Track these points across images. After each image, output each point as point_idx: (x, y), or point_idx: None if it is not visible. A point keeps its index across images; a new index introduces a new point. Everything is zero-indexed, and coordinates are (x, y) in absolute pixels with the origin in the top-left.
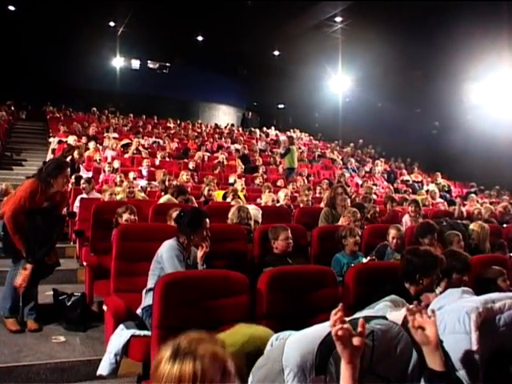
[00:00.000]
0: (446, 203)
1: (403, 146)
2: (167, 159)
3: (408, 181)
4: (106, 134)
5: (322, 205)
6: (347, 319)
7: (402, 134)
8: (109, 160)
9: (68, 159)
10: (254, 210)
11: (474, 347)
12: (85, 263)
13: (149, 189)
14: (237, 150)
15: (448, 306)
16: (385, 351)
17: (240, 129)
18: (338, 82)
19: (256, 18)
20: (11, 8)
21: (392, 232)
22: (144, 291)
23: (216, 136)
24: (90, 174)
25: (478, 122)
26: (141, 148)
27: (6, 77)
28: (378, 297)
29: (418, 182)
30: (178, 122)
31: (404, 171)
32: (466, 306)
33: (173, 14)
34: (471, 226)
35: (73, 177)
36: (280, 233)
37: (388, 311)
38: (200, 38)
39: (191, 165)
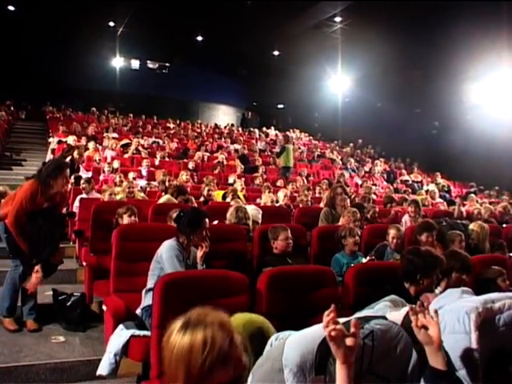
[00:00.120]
0: (445, 203)
1: (403, 145)
2: (167, 159)
3: (407, 181)
4: (105, 134)
5: (322, 205)
6: (347, 319)
7: (402, 133)
8: (108, 160)
9: (68, 159)
10: (253, 211)
11: (474, 347)
12: (84, 263)
13: (148, 189)
14: (236, 150)
15: (448, 306)
16: (384, 351)
17: (240, 129)
18: (338, 82)
19: (256, 17)
20: (11, 8)
21: (392, 232)
22: (144, 291)
23: (216, 136)
24: (89, 174)
25: (477, 121)
26: (140, 148)
27: (5, 77)
28: (378, 297)
29: (417, 182)
30: (178, 122)
31: (403, 171)
32: (465, 305)
33: (172, 14)
34: (471, 226)
35: (72, 177)
36: (280, 233)
37: (388, 311)
38: (200, 38)
39: (191, 165)
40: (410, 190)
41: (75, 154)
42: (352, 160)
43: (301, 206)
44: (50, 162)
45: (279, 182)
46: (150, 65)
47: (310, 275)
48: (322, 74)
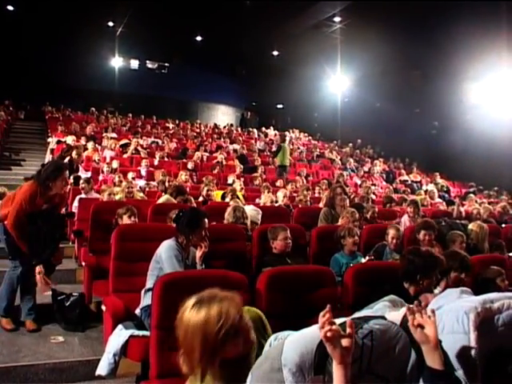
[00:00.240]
0: (444, 203)
1: (402, 145)
2: (166, 159)
3: (407, 181)
4: (104, 134)
5: (321, 205)
6: (344, 320)
7: (401, 134)
8: (107, 160)
9: (66, 159)
10: (252, 211)
11: (473, 347)
12: (83, 263)
13: (147, 189)
14: (235, 151)
15: (447, 306)
16: (384, 351)
17: (239, 129)
18: (337, 82)
19: (255, 18)
20: (10, 8)
21: (391, 232)
22: (143, 291)
23: (215, 136)
24: (88, 174)
25: (477, 121)
26: (139, 148)
27: (4, 77)
28: (377, 297)
29: (416, 182)
30: (177, 122)
31: (403, 171)
32: (464, 305)
33: (172, 14)
34: (470, 226)
35: (71, 177)
36: (279, 233)
37: (387, 311)
38: (199, 38)
39: (190, 165)
40: (409, 190)
41: (74, 153)
42: (351, 160)
43: (300, 206)
44: (49, 164)
45: (278, 182)
46: (150, 65)
47: (310, 275)
48: (322, 74)
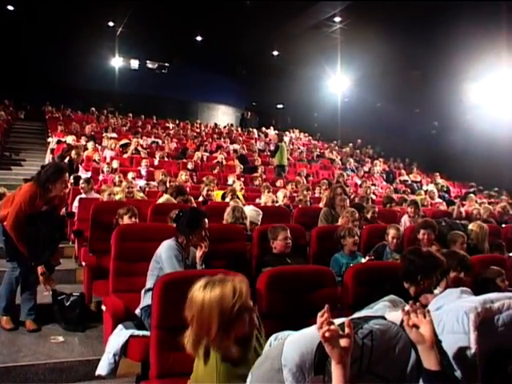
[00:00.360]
0: (444, 203)
1: (402, 146)
2: (166, 159)
3: (407, 181)
4: (104, 134)
5: (321, 205)
6: (343, 320)
7: (401, 134)
8: (107, 160)
9: (66, 159)
10: (252, 212)
11: (473, 347)
12: (83, 263)
13: (147, 189)
14: (235, 151)
15: (447, 306)
16: (384, 351)
17: (239, 129)
18: (337, 82)
19: (255, 18)
20: (10, 8)
21: (391, 232)
22: (143, 291)
23: (215, 136)
24: (88, 174)
25: (477, 121)
26: (140, 148)
27: (5, 77)
28: (377, 297)
29: (416, 182)
30: (177, 122)
31: (403, 171)
32: (464, 305)
33: (172, 14)
34: (470, 226)
35: (72, 177)
36: (279, 233)
37: (387, 311)
38: (199, 38)
39: (190, 165)
40: (409, 191)
41: (73, 153)
42: (351, 160)
43: (300, 206)
44: (49, 166)
45: (278, 182)
46: (150, 65)
47: (310, 275)
48: (322, 74)
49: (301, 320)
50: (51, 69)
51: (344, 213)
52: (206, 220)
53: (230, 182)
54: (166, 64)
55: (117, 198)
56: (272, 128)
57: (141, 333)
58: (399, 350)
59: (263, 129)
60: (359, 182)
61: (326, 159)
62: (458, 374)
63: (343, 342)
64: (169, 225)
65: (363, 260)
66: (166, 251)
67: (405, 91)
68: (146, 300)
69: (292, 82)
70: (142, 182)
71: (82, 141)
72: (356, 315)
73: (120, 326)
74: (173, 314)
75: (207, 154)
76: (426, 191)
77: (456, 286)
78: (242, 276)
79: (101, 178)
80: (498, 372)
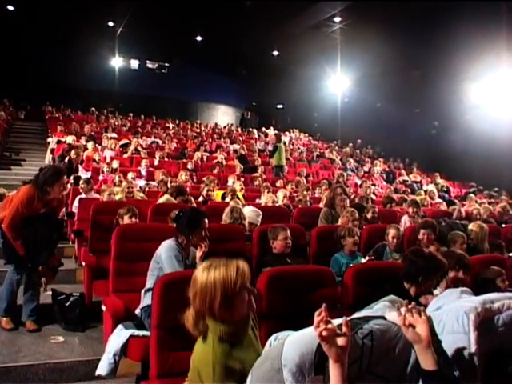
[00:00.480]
0: (444, 203)
1: (402, 146)
2: (166, 159)
3: (407, 181)
4: (104, 134)
5: (321, 205)
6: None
7: (401, 134)
8: (107, 160)
9: (66, 159)
10: (251, 212)
11: (473, 347)
12: (83, 263)
13: (147, 189)
14: (235, 151)
15: (447, 306)
16: (384, 351)
17: (239, 129)
18: (337, 82)
19: (255, 18)
20: (10, 8)
21: (392, 232)
22: (143, 291)
23: (215, 136)
24: (88, 174)
25: (477, 122)
26: (139, 148)
27: (5, 77)
28: (377, 297)
29: (416, 182)
30: (177, 122)
31: (403, 171)
32: (464, 305)
33: (172, 14)
34: (470, 226)
35: (71, 177)
36: (279, 233)
37: (387, 311)
38: (199, 38)
39: (190, 165)
40: (409, 191)
41: (72, 153)
42: (351, 160)
43: (300, 206)
44: (47, 169)
45: (278, 183)
46: (150, 65)
47: (310, 275)
48: (322, 74)
49: (301, 320)
50: (51, 69)
51: (344, 213)
52: (206, 220)
53: (229, 183)
54: (166, 64)
55: (117, 198)
56: (272, 128)
57: (141, 333)
58: (399, 350)
59: (263, 129)
60: (359, 182)
61: (326, 159)
62: (457, 373)
63: (340, 341)
64: (169, 225)
65: (363, 260)
66: (165, 251)
67: (405, 91)
68: (146, 300)
69: (292, 82)
70: (142, 182)
71: (82, 141)
72: (356, 315)
73: (120, 326)
74: (173, 314)
75: (207, 154)
76: (425, 191)
77: (456, 285)
78: (244, 261)
79: (101, 178)
80: (498, 372)
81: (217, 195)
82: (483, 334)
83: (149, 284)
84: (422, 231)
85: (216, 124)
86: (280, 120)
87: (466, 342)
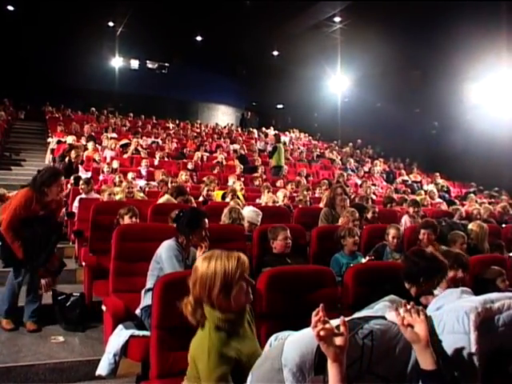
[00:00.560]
0: (444, 203)
1: (402, 146)
2: (166, 159)
3: (407, 181)
4: (104, 134)
5: (322, 205)
6: (347, 319)
7: (401, 134)
8: (108, 160)
9: (66, 159)
10: (251, 213)
11: (473, 347)
12: (84, 263)
13: (147, 189)
14: (235, 151)
15: (447, 306)
16: (384, 351)
17: (239, 129)
18: (337, 82)
19: (255, 18)
20: (10, 8)
21: (392, 232)
22: (143, 291)
23: (215, 136)
24: (88, 175)
25: (477, 122)
26: (140, 148)
27: (5, 77)
28: (377, 297)
29: (417, 182)
30: (177, 122)
31: (403, 171)
32: (464, 305)
33: (172, 15)
34: (470, 226)
35: (72, 177)
36: (279, 233)
37: (387, 311)
38: (199, 38)
39: (190, 165)
40: (409, 190)
41: (72, 153)
42: (351, 160)
43: (300, 206)
44: (45, 170)
45: (278, 183)
46: (150, 65)
47: (310, 275)
48: (322, 74)
49: (301, 320)
50: (51, 69)
51: (344, 213)
52: (206, 220)
53: (230, 183)
54: (166, 64)
55: (117, 198)
56: (272, 128)
57: (141, 333)
58: (399, 350)
59: (263, 129)
60: (359, 182)
61: (326, 159)
62: (457, 374)
63: (338, 341)
64: (169, 225)
65: (363, 260)
66: (166, 251)
67: (405, 91)
68: (146, 300)
69: (292, 82)
70: (142, 182)
71: (82, 141)
72: (356, 315)
73: (120, 326)
74: (173, 314)
75: (207, 154)
76: (426, 191)
77: (456, 285)
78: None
79: (101, 178)
80: (498, 372)
81: (217, 195)
82: (483, 333)
83: (149, 284)
84: (422, 231)
85: (216, 124)
86: (280, 120)
87: (467, 341)
